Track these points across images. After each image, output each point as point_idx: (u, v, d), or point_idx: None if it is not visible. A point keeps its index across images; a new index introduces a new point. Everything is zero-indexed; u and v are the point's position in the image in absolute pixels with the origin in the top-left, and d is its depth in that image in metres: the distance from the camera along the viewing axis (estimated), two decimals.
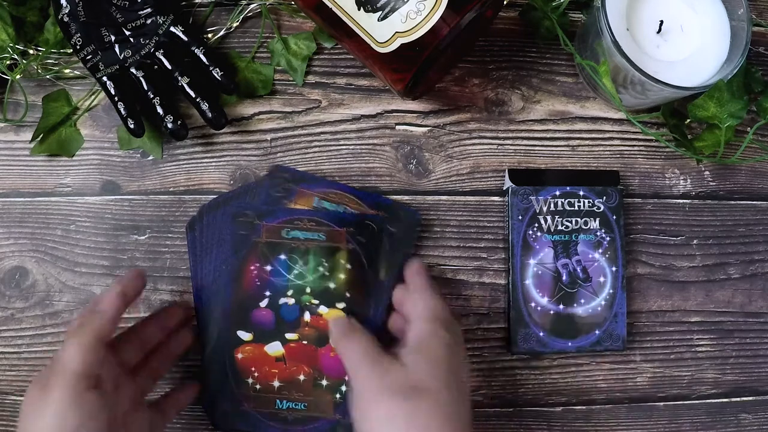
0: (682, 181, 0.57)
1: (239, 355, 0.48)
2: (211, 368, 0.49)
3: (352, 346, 0.43)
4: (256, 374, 0.48)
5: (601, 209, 0.54)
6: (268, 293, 0.48)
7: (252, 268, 0.48)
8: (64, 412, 0.38)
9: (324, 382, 0.48)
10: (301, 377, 0.48)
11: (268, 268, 0.47)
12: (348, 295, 0.47)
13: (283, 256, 0.47)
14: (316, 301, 0.48)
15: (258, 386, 0.48)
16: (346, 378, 0.47)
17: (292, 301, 0.48)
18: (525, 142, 0.56)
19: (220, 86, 0.52)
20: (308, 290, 0.47)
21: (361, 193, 0.51)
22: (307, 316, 0.48)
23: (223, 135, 0.55)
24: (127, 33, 0.51)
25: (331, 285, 0.47)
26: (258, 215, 0.48)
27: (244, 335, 0.48)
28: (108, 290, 0.44)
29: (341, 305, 0.48)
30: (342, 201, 0.50)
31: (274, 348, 0.48)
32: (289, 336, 0.48)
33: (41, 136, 0.54)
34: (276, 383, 0.48)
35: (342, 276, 0.47)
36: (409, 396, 0.40)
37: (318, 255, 0.47)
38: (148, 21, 0.51)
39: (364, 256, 0.47)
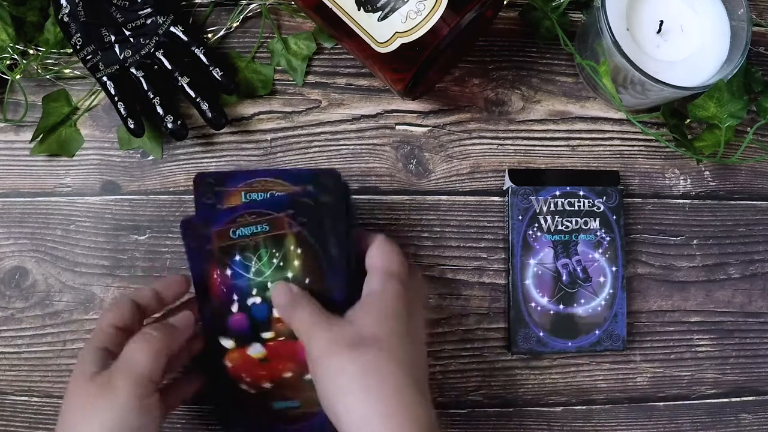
0: (682, 181, 0.57)
1: (228, 363, 0.48)
2: (209, 382, 0.49)
3: (298, 313, 0.43)
4: (247, 379, 0.48)
5: (601, 209, 0.54)
6: (235, 297, 0.47)
7: (215, 276, 0.47)
8: (128, 414, 0.39)
9: (308, 377, 0.47)
10: (288, 374, 0.47)
11: (228, 272, 0.46)
12: (307, 280, 0.46)
13: (237, 257, 0.46)
14: None
15: (252, 391, 0.48)
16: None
17: (259, 299, 0.46)
18: (525, 142, 0.56)
19: (220, 86, 0.52)
20: (270, 285, 0.46)
21: (280, 171, 0.49)
22: (276, 312, 0.46)
23: (223, 135, 0.55)
24: (127, 33, 0.51)
25: (289, 274, 0.46)
26: (204, 224, 0.47)
27: (227, 343, 0.47)
28: (184, 314, 0.45)
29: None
30: (268, 188, 0.49)
31: (256, 350, 0.47)
32: (265, 335, 0.47)
33: (41, 136, 0.54)
34: (267, 384, 0.47)
35: (296, 262, 0.46)
36: (356, 346, 0.39)
37: (268, 247, 0.46)
38: (148, 21, 0.51)
39: (310, 236, 0.45)
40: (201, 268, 0.47)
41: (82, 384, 0.40)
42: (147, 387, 0.40)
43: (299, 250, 0.46)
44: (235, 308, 0.47)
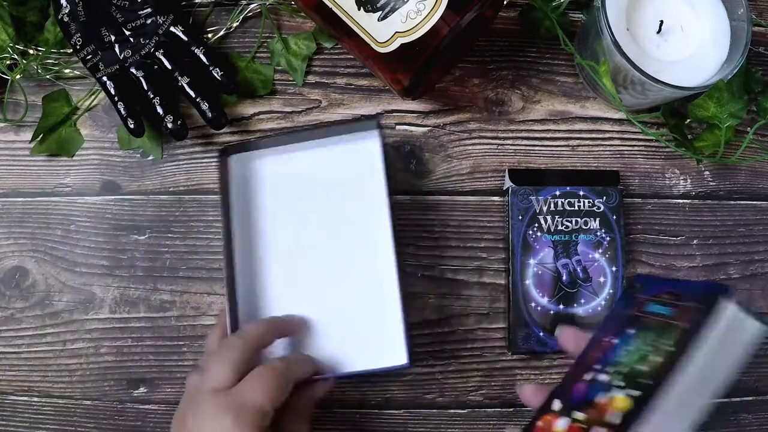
0: (682, 181, 0.57)
1: (540, 423, 0.40)
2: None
3: None
4: None
5: (601, 209, 0.54)
6: (597, 366, 0.40)
7: (605, 339, 0.41)
8: None
9: None
10: None
11: (615, 341, 0.41)
12: (650, 382, 0.37)
13: (632, 330, 0.40)
14: (618, 383, 0.38)
15: None
16: None
17: (606, 378, 0.39)
18: (525, 142, 0.56)
19: (220, 86, 0.52)
20: (621, 369, 0.39)
21: (682, 285, 0.42)
22: (600, 397, 0.38)
23: (223, 135, 0.55)
24: (127, 33, 0.51)
25: (643, 367, 0.38)
26: (642, 288, 0.43)
27: (555, 404, 0.40)
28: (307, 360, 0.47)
29: (635, 393, 0.37)
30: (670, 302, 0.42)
31: (562, 424, 0.39)
32: (577, 415, 0.39)
33: (41, 136, 0.54)
34: None
35: (658, 359, 0.37)
36: None
37: (653, 332, 0.39)
38: (148, 21, 0.51)
39: (691, 341, 0.36)
40: (606, 327, 0.42)
41: (209, 412, 0.41)
42: (267, 420, 0.41)
43: (672, 348, 0.38)
44: (588, 377, 0.40)
